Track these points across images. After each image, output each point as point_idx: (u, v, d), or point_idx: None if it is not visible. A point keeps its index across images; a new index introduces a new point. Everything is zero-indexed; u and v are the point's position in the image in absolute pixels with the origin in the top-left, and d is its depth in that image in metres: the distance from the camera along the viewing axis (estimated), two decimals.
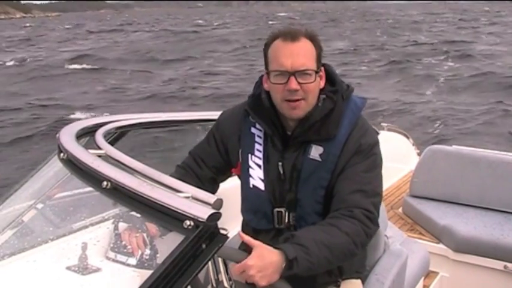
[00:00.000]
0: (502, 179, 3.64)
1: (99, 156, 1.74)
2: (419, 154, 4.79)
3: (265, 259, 1.62)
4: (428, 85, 18.30)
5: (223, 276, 1.67)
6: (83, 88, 20.42)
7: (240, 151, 2.03)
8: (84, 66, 26.57)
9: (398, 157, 4.73)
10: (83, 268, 1.69)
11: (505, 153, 3.99)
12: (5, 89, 19.69)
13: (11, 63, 28.45)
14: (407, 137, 5.06)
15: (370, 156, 1.90)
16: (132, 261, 1.69)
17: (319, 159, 1.90)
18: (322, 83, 1.93)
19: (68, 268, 1.69)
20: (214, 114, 2.28)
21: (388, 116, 13.02)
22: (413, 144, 5.08)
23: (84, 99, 17.77)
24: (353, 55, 27.63)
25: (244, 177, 2.01)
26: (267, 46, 1.91)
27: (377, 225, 1.87)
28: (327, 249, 1.72)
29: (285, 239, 1.74)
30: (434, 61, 24.65)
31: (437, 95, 16.51)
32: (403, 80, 19.72)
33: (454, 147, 4.07)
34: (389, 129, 4.93)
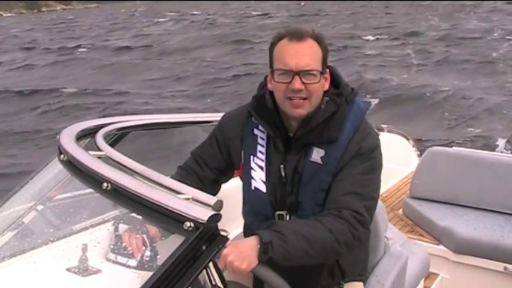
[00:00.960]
0: (502, 181, 3.64)
1: (100, 157, 1.75)
2: (419, 155, 4.79)
3: (240, 245, 1.64)
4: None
5: (215, 279, 1.66)
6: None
7: (242, 152, 2.02)
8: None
9: (398, 158, 4.72)
10: (83, 269, 1.69)
11: (505, 154, 3.99)
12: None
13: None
14: (408, 139, 5.05)
15: (369, 160, 1.89)
16: (132, 262, 1.69)
17: (320, 162, 1.89)
18: (326, 85, 1.93)
19: (68, 269, 1.69)
20: (215, 116, 2.28)
21: None
22: (413, 146, 5.07)
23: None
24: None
25: (246, 179, 2.00)
26: (272, 45, 1.91)
27: (367, 228, 1.85)
28: (306, 240, 1.72)
29: (266, 226, 1.75)
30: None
31: None
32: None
33: (454, 149, 4.07)
34: (389, 131, 4.92)
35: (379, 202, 2.36)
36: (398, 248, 2.48)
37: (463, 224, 3.47)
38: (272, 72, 1.90)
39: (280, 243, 1.67)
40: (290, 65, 1.83)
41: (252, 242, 1.66)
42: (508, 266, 3.22)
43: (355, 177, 1.86)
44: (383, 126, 4.89)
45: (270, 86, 1.94)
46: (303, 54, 1.84)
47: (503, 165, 3.68)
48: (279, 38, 1.89)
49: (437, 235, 3.52)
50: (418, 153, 4.97)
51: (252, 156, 1.99)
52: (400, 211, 4.03)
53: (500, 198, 3.64)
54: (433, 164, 3.86)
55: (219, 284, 1.59)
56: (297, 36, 1.86)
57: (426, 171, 3.89)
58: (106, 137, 2.02)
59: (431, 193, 3.85)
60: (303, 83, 1.82)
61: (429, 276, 3.28)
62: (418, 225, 3.75)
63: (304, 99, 1.85)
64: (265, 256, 1.65)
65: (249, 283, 2.01)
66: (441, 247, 3.45)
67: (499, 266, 3.25)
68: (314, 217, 1.83)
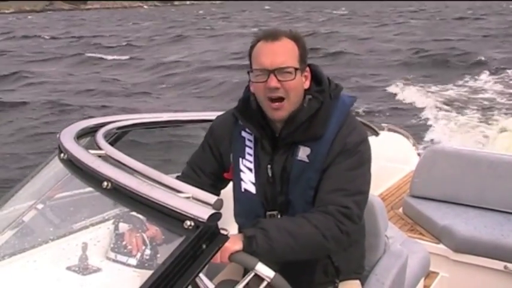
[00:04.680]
0: (502, 179, 3.64)
1: (100, 156, 1.74)
2: (419, 154, 4.79)
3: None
4: None
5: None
6: None
7: (231, 155, 2.03)
8: None
9: (398, 157, 4.73)
10: (83, 268, 1.69)
11: (505, 153, 3.99)
12: None
13: None
14: (408, 137, 5.05)
15: (355, 154, 1.89)
16: (133, 261, 1.69)
17: (307, 160, 1.90)
18: (307, 83, 1.93)
19: (68, 268, 1.69)
20: (215, 115, 2.28)
21: None
22: (413, 145, 5.07)
23: None
24: None
25: (236, 181, 2.02)
26: (251, 48, 1.93)
27: (355, 222, 1.85)
28: (290, 236, 1.75)
29: (251, 225, 1.79)
30: None
31: None
32: None
33: (454, 148, 4.07)
34: (389, 130, 4.92)
35: (379, 201, 2.38)
36: (398, 246, 2.48)
37: (463, 223, 3.47)
38: (250, 73, 1.91)
39: (263, 238, 1.71)
40: (265, 64, 1.85)
41: (238, 235, 1.71)
42: (508, 264, 3.22)
43: (342, 173, 1.87)
44: (383, 125, 4.89)
45: (251, 88, 1.96)
46: (277, 53, 1.85)
47: (503, 163, 3.69)
48: (257, 40, 1.92)
49: (438, 234, 3.52)
50: (418, 152, 4.97)
51: (240, 159, 2.00)
52: (400, 210, 4.03)
53: (500, 197, 3.64)
54: (433, 163, 3.87)
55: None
56: (272, 36, 1.88)
57: (426, 170, 3.89)
58: (106, 136, 2.01)
59: (432, 192, 3.85)
60: (279, 80, 1.84)
61: (429, 275, 3.29)
62: (418, 224, 3.75)
63: (283, 99, 1.86)
64: (249, 248, 1.68)
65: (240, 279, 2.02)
66: (441, 246, 3.45)
67: (499, 264, 3.25)
68: (300, 214, 1.85)
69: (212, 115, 2.38)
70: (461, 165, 3.78)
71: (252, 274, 1.60)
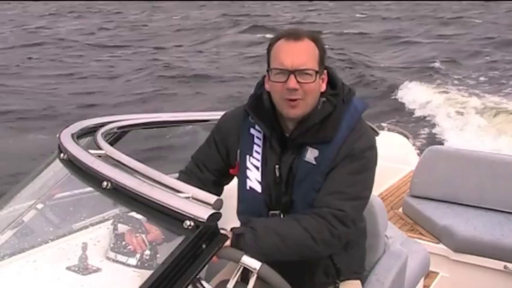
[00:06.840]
0: (502, 179, 3.64)
1: (100, 156, 1.75)
2: (419, 154, 4.79)
3: None
4: None
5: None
6: None
7: (238, 152, 2.02)
8: None
9: (398, 157, 4.72)
10: (83, 268, 1.69)
11: (505, 153, 3.99)
12: None
13: None
14: (408, 137, 5.05)
15: (360, 160, 1.88)
16: (132, 261, 1.69)
17: (314, 163, 1.89)
18: (323, 86, 1.93)
19: (68, 268, 1.69)
20: (215, 115, 2.28)
21: None
22: (413, 145, 5.08)
23: None
24: None
25: (242, 178, 2.01)
26: (270, 46, 1.91)
27: (348, 226, 1.84)
28: (278, 237, 1.75)
29: (243, 224, 1.81)
30: None
31: None
32: None
33: (454, 148, 4.08)
34: (389, 130, 4.93)
35: (379, 201, 2.38)
36: (398, 246, 2.48)
37: (463, 223, 3.47)
38: (269, 72, 1.90)
39: (251, 236, 1.71)
40: (285, 64, 1.83)
41: (227, 233, 1.70)
42: (508, 264, 3.22)
43: (343, 176, 1.86)
44: (383, 125, 4.90)
45: (267, 86, 1.94)
46: (299, 54, 1.84)
47: (503, 164, 3.69)
48: (277, 38, 1.90)
49: (437, 234, 3.53)
50: (418, 151, 4.98)
51: (248, 156, 1.99)
52: (400, 210, 4.03)
53: (500, 197, 3.64)
54: (432, 163, 3.87)
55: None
56: (294, 36, 1.86)
57: (426, 170, 3.89)
58: (106, 136, 2.02)
59: (431, 192, 3.85)
60: (298, 82, 1.82)
61: (429, 274, 3.29)
62: (418, 224, 3.75)
63: (300, 99, 1.85)
64: (238, 246, 1.68)
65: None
66: (441, 246, 3.46)
67: (499, 264, 3.25)
68: (293, 215, 1.86)
69: (212, 115, 2.39)
70: (461, 165, 3.78)
71: (242, 268, 1.60)
